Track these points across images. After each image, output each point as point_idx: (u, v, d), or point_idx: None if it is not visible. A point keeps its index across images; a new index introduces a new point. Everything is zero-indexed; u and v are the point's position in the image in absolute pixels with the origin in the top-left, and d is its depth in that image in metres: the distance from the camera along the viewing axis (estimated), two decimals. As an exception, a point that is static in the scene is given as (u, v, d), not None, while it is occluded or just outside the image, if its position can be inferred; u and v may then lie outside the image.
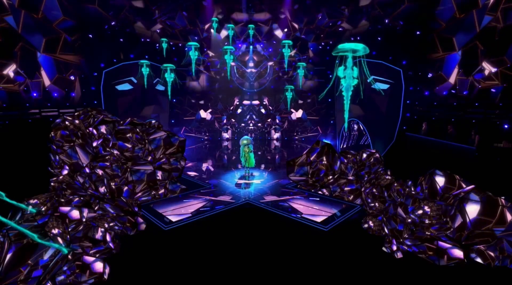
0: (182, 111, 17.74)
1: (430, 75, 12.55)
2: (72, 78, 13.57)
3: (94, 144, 7.47)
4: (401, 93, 12.02)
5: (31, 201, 5.88)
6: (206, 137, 18.16)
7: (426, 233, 5.66)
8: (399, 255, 5.40)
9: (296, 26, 16.11)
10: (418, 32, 12.33)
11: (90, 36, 13.21)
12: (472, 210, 5.32)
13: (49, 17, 11.84)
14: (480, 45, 10.17)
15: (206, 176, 10.55)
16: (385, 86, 12.20)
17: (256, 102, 17.76)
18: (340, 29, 15.32)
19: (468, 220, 5.31)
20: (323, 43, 16.36)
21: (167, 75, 12.83)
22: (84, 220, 5.47)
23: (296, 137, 18.20)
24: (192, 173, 10.75)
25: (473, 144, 9.73)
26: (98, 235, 5.19)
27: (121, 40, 14.23)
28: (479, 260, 5.03)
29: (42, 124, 10.32)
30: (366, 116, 13.25)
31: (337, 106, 15.60)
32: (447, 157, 9.28)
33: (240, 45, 17.01)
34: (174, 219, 6.61)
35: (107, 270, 4.79)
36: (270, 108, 18.20)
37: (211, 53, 16.90)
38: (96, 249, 5.12)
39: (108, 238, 5.35)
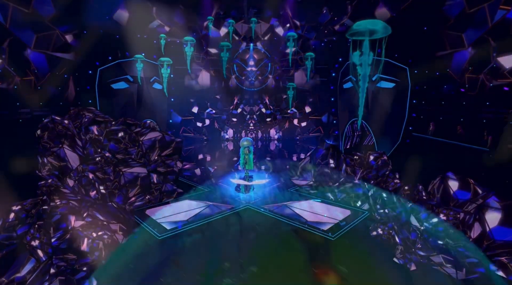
0: (181, 111, 17.29)
1: (437, 73, 12.08)
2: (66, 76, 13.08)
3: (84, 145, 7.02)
4: (407, 91, 11.56)
5: (14, 208, 5.46)
6: (205, 137, 17.73)
7: (441, 242, 5.24)
8: (413, 266, 4.97)
9: (298, 23, 15.64)
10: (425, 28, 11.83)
11: (85, 32, 12.72)
12: (493, 218, 4.91)
13: (41, 12, 11.34)
14: (492, 41, 9.71)
15: (204, 179, 10.09)
16: (390, 85, 11.75)
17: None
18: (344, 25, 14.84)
19: (488, 229, 4.90)
20: (325, 40, 15.86)
21: (163, 70, 12.30)
22: (70, 228, 5.03)
23: (298, 137, 17.78)
24: (190, 175, 10.30)
25: (485, 145, 9.23)
26: (84, 246, 4.76)
27: (117, 36, 13.74)
28: (501, 273, 4.61)
29: (33, 124, 9.84)
30: (370, 115, 12.78)
31: (340, 105, 15.15)
32: (458, 159, 8.83)
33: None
34: (168, 226, 6.16)
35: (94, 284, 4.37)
36: (271, 107, 17.76)
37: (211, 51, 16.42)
38: (82, 262, 4.68)
39: (95, 249, 4.91)
